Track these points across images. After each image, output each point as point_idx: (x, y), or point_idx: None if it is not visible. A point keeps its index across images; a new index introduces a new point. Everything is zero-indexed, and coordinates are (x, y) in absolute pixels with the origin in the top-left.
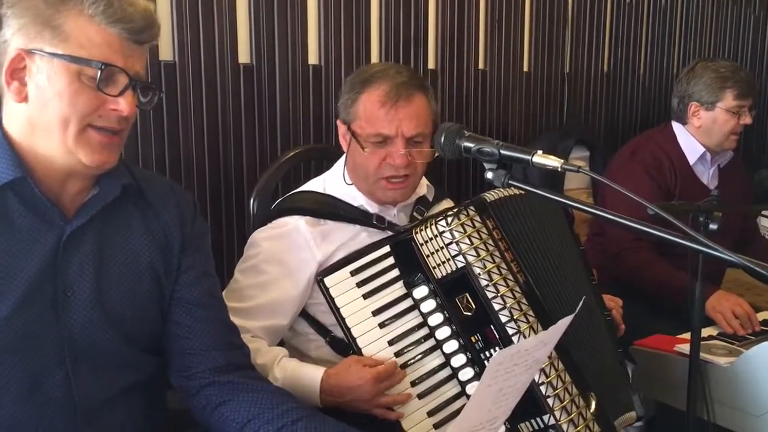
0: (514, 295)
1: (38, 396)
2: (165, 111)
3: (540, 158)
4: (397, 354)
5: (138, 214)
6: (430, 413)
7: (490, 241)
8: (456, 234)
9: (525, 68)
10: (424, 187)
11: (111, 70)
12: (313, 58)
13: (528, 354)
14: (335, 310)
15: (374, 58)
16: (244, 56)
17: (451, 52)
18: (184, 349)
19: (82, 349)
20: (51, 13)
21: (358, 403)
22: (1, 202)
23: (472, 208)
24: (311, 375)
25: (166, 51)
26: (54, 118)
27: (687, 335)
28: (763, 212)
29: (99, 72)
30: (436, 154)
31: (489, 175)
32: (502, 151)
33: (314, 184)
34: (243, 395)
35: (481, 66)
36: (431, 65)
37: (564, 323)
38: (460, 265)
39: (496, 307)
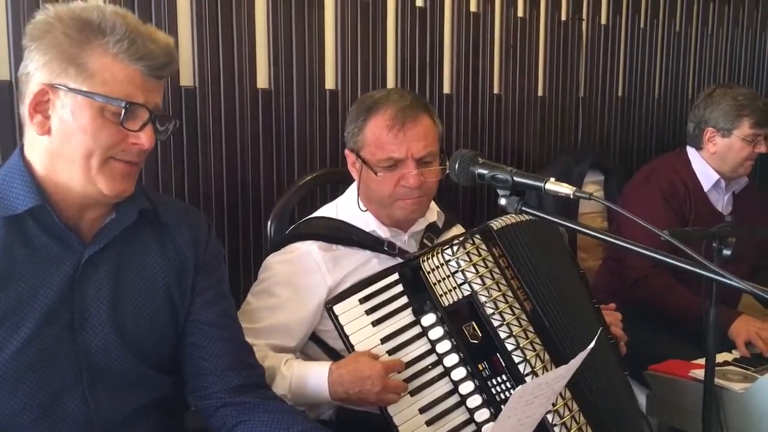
0: (520, 323)
1: (56, 415)
2: (185, 135)
3: (552, 185)
4: (407, 380)
5: (154, 237)
6: None
7: (496, 269)
8: (462, 263)
9: (539, 92)
10: (434, 213)
11: (134, 107)
12: (330, 83)
13: (548, 386)
14: (344, 337)
15: (390, 82)
16: (262, 81)
17: (466, 76)
18: (199, 370)
19: (98, 369)
20: (76, 51)
21: (367, 395)
22: (21, 228)
23: (477, 236)
24: (319, 368)
25: (187, 77)
26: (77, 151)
27: (702, 361)
28: None
29: (123, 110)
30: (447, 171)
31: (502, 201)
32: (516, 178)
33: (327, 210)
34: (258, 415)
35: (496, 90)
36: (446, 90)
37: (582, 356)
38: (466, 293)
39: (502, 335)
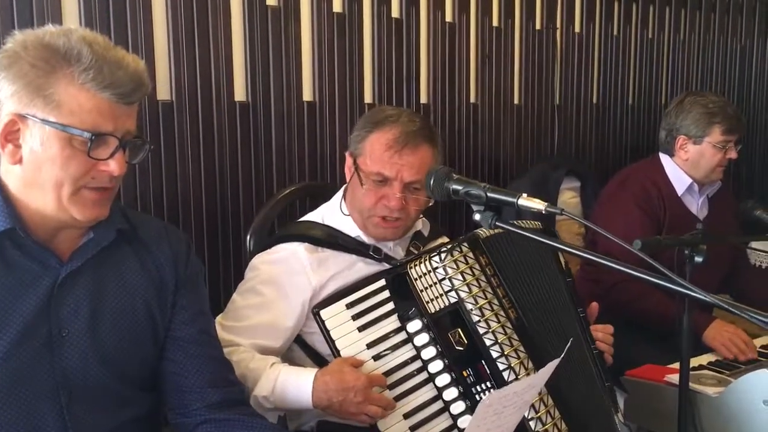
0: (505, 331)
1: None
2: (163, 149)
3: (525, 201)
4: (391, 386)
5: (133, 255)
6: None
7: (483, 278)
8: (449, 270)
9: (516, 101)
10: (419, 223)
11: (100, 137)
12: (307, 95)
13: (517, 396)
14: (330, 342)
15: (368, 93)
16: (240, 94)
17: (443, 86)
18: (179, 387)
19: (76, 387)
20: (42, 82)
21: (349, 405)
22: None
23: (465, 244)
24: (305, 372)
25: (164, 90)
26: (48, 180)
27: (677, 365)
28: (751, 244)
29: (89, 142)
30: (431, 203)
31: (477, 216)
32: (489, 194)
33: (313, 216)
34: None
35: (472, 100)
36: (423, 100)
37: (552, 365)
38: (452, 300)
39: (488, 342)
